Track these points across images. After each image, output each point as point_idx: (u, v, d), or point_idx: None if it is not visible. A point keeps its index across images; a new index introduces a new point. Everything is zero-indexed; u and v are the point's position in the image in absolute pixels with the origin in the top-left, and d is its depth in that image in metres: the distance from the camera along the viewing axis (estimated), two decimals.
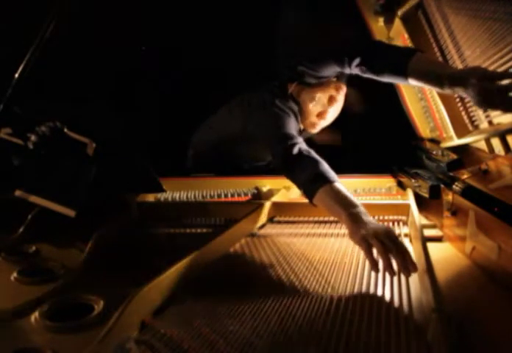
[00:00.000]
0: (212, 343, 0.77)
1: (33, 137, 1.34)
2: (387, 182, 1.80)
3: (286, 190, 1.74)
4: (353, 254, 1.18)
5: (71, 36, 1.93)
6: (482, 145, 1.28)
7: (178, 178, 1.82)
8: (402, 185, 1.76)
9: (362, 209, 1.22)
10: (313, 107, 1.73)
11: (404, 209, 1.44)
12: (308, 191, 1.37)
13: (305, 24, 1.95)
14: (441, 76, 1.23)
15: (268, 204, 1.49)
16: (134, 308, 0.84)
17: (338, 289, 0.98)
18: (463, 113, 1.40)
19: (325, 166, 1.40)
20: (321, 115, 1.76)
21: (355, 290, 0.97)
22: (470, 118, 1.39)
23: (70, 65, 2.10)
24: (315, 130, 1.82)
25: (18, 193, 1.26)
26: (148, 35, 2.35)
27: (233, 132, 1.87)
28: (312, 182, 1.36)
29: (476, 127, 1.36)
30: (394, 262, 1.02)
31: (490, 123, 1.28)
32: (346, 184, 1.35)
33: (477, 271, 1.11)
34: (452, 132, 1.46)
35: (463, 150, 1.43)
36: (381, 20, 1.67)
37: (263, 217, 1.47)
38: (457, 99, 1.43)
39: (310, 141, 1.83)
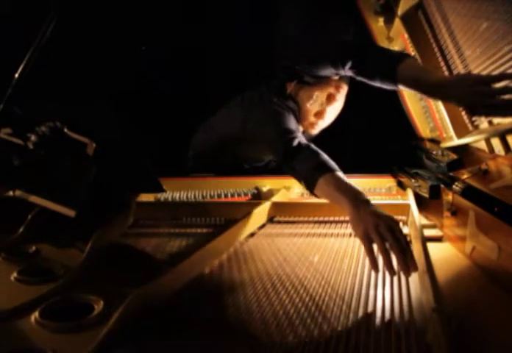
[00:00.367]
0: (211, 343, 0.77)
1: (33, 137, 1.34)
2: (387, 182, 1.80)
3: (286, 190, 1.74)
4: (353, 253, 1.18)
5: (71, 36, 1.93)
6: (482, 145, 1.28)
7: (178, 178, 1.82)
8: (402, 185, 1.76)
9: (364, 197, 1.21)
10: (311, 106, 1.73)
11: (404, 209, 1.44)
12: (309, 182, 1.37)
13: (303, 24, 1.96)
14: (430, 82, 1.24)
15: (268, 204, 1.49)
16: (134, 308, 0.84)
17: (338, 289, 0.98)
18: (463, 113, 1.40)
19: (325, 156, 1.40)
20: (319, 114, 1.76)
21: (355, 290, 0.97)
22: (470, 118, 1.39)
23: (70, 65, 2.10)
24: (315, 131, 1.82)
25: (18, 193, 1.26)
26: (148, 35, 2.35)
27: (233, 131, 1.88)
28: (312, 172, 1.36)
29: (476, 127, 1.36)
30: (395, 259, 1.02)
31: (490, 123, 1.27)
32: None
33: (477, 271, 1.11)
34: (452, 132, 1.46)
35: (463, 150, 1.43)
36: (381, 20, 1.67)
37: (263, 217, 1.47)
38: None
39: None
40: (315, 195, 1.37)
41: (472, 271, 1.12)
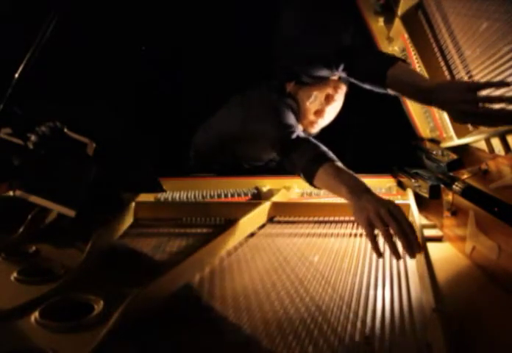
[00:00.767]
0: (211, 343, 0.77)
1: (33, 137, 1.34)
2: (387, 182, 1.80)
3: (286, 190, 1.74)
4: (353, 253, 1.18)
5: (71, 36, 1.93)
6: (482, 145, 1.28)
7: (178, 178, 1.82)
8: (402, 185, 1.76)
9: (364, 185, 1.21)
10: (310, 105, 1.76)
11: (404, 209, 1.43)
12: (308, 173, 1.37)
13: (303, 25, 1.96)
14: (419, 88, 1.26)
15: (268, 204, 1.49)
16: (134, 308, 0.84)
17: (338, 289, 0.98)
18: None
19: (324, 148, 1.41)
20: (318, 113, 1.78)
21: (355, 290, 0.97)
22: None
23: (70, 65, 2.10)
24: (315, 130, 1.83)
25: (18, 193, 1.26)
26: (148, 35, 2.35)
27: (232, 131, 1.89)
28: (311, 163, 1.37)
29: (476, 127, 1.36)
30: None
31: None
32: None
33: (477, 271, 1.11)
34: (452, 132, 1.46)
35: (463, 150, 1.43)
36: (381, 20, 1.67)
37: (263, 217, 1.47)
38: None
39: None
40: (315, 187, 1.38)
41: (472, 271, 1.12)
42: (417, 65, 1.57)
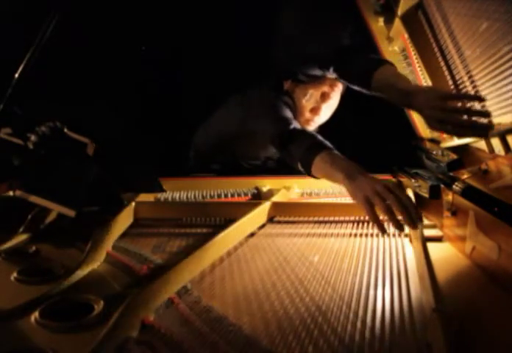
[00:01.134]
0: (212, 343, 0.77)
1: (33, 137, 1.34)
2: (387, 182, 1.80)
3: (286, 190, 1.74)
4: (353, 253, 1.18)
5: (71, 36, 1.93)
6: (482, 145, 1.28)
7: (178, 178, 1.82)
8: (402, 185, 1.76)
9: (359, 168, 1.24)
10: (306, 103, 1.80)
11: None
12: (305, 162, 1.40)
13: (299, 25, 1.97)
14: (400, 90, 1.29)
15: (268, 204, 1.49)
16: (134, 308, 0.84)
17: (338, 289, 0.98)
18: None
19: (320, 137, 1.45)
20: (314, 110, 1.82)
21: (355, 290, 0.97)
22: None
23: (70, 65, 2.10)
24: (311, 127, 1.87)
25: (18, 193, 1.26)
26: (148, 35, 2.35)
27: (232, 129, 1.91)
28: (308, 153, 1.40)
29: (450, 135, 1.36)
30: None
31: (490, 123, 1.27)
32: None
33: (477, 271, 1.11)
34: None
35: (463, 150, 1.43)
36: (381, 20, 1.66)
37: (263, 217, 1.47)
38: None
39: None
40: (314, 176, 1.41)
41: (472, 271, 1.12)
42: (417, 65, 1.57)
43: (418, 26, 1.48)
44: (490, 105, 1.21)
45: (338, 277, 1.04)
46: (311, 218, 1.48)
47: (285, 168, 1.73)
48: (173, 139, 2.27)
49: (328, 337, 0.78)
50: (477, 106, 1.26)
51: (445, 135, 1.59)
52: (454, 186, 1.30)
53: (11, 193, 1.39)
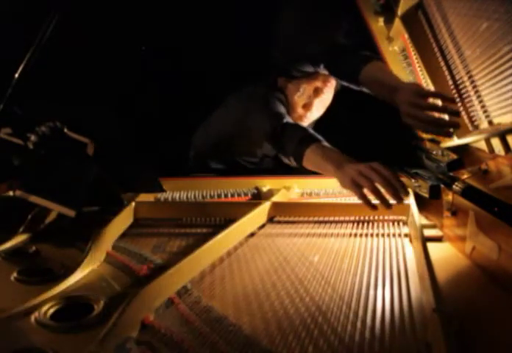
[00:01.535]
0: (212, 343, 0.77)
1: (33, 137, 1.34)
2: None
3: (286, 190, 1.74)
4: (353, 253, 1.18)
5: (71, 36, 1.93)
6: (482, 145, 1.28)
7: (178, 178, 1.82)
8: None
9: (347, 158, 1.31)
10: (298, 98, 1.84)
11: (404, 209, 1.44)
12: (297, 155, 1.45)
13: (297, 24, 1.98)
14: (386, 85, 1.34)
15: (268, 204, 1.49)
16: (134, 308, 0.84)
17: (338, 289, 0.98)
18: (463, 113, 1.40)
19: (311, 130, 1.51)
20: (306, 106, 1.86)
21: (355, 290, 0.97)
22: (470, 118, 1.39)
23: (70, 65, 2.10)
24: (305, 123, 1.90)
25: (18, 193, 1.26)
26: (148, 35, 2.35)
27: (230, 127, 1.93)
28: (299, 146, 1.45)
29: (476, 127, 1.36)
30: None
31: (490, 123, 1.27)
32: None
33: (477, 271, 1.11)
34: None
35: (463, 150, 1.43)
36: (381, 20, 1.66)
37: (263, 217, 1.47)
38: (458, 99, 1.43)
39: None
40: (306, 169, 1.47)
41: (472, 271, 1.12)
42: (417, 65, 1.56)
43: (418, 26, 1.48)
44: (490, 105, 1.21)
45: (338, 277, 1.04)
46: (311, 218, 1.48)
47: (285, 168, 1.73)
48: (173, 139, 2.26)
49: (328, 337, 0.78)
50: (477, 106, 1.26)
51: None
52: (454, 186, 1.30)
53: (11, 193, 1.39)
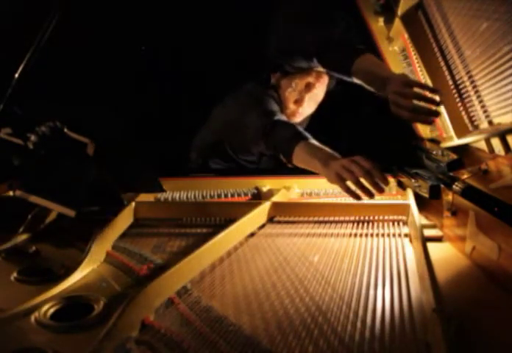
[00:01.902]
0: (212, 343, 0.77)
1: (33, 137, 1.34)
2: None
3: (286, 190, 1.74)
4: (353, 253, 1.18)
5: (71, 36, 1.93)
6: (482, 145, 1.28)
7: (178, 178, 1.82)
8: (402, 185, 1.76)
9: (332, 155, 1.38)
10: (290, 94, 1.88)
11: (404, 209, 1.44)
12: (286, 152, 1.51)
13: (295, 21, 1.98)
14: (377, 76, 1.38)
15: (268, 204, 1.49)
16: (134, 308, 0.84)
17: (338, 289, 0.98)
18: (463, 113, 1.40)
19: (299, 128, 1.57)
20: (298, 102, 1.90)
21: (355, 290, 0.97)
22: (470, 118, 1.39)
23: (70, 65, 2.10)
24: (297, 119, 1.95)
25: (18, 193, 1.26)
26: (148, 35, 2.35)
27: (226, 127, 1.95)
28: (288, 143, 1.51)
29: (476, 127, 1.36)
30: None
31: (490, 123, 1.27)
32: None
33: (477, 271, 1.11)
34: (452, 132, 1.46)
35: (463, 150, 1.43)
36: (381, 20, 1.66)
37: (263, 217, 1.47)
38: (457, 99, 1.43)
39: None
40: (295, 166, 1.51)
41: (472, 271, 1.12)
42: (417, 65, 1.56)
43: (418, 26, 1.48)
44: (490, 105, 1.21)
45: (338, 277, 1.04)
46: (311, 218, 1.48)
47: (285, 168, 1.74)
48: (173, 139, 2.26)
49: (328, 337, 0.78)
50: (477, 106, 1.26)
51: (445, 135, 1.59)
52: (454, 186, 1.30)
53: (11, 193, 1.39)
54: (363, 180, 1.26)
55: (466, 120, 1.40)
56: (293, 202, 1.65)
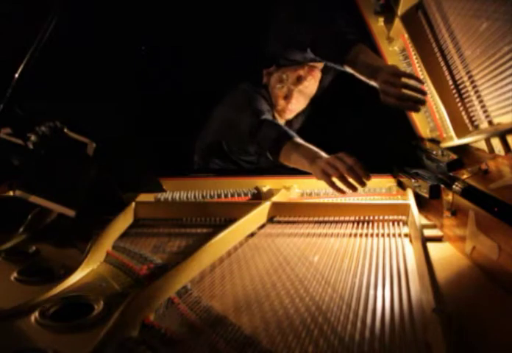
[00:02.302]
0: (212, 343, 0.77)
1: (33, 137, 1.34)
2: (387, 182, 1.80)
3: (286, 190, 1.74)
4: (353, 253, 1.18)
5: (71, 36, 1.93)
6: (482, 145, 1.28)
7: (178, 178, 1.82)
8: (402, 185, 1.76)
9: (318, 153, 1.46)
10: (279, 90, 1.92)
11: (404, 209, 1.44)
12: (274, 152, 1.58)
13: (293, 17, 1.99)
14: (369, 65, 1.45)
15: (268, 204, 1.49)
16: (134, 308, 0.84)
17: (338, 289, 0.98)
18: (463, 113, 1.40)
19: (284, 128, 1.64)
20: (287, 98, 1.93)
21: (355, 290, 0.97)
22: (470, 118, 1.39)
23: (70, 65, 2.10)
24: (288, 116, 1.99)
25: (18, 193, 1.26)
26: (148, 35, 2.35)
27: (223, 127, 1.95)
28: (276, 143, 1.57)
29: (476, 127, 1.36)
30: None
31: (490, 123, 1.27)
32: None
33: (477, 271, 1.11)
34: (452, 132, 1.46)
35: (463, 150, 1.43)
36: (381, 20, 1.67)
37: (263, 217, 1.47)
38: (457, 99, 1.43)
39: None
40: (283, 163, 1.58)
41: (472, 271, 1.12)
42: (417, 65, 1.57)
43: (418, 26, 1.48)
44: (490, 105, 1.21)
45: (338, 277, 1.04)
46: (311, 218, 1.48)
47: (285, 168, 1.73)
48: (174, 138, 2.26)
49: (328, 337, 0.78)
50: (477, 106, 1.26)
51: (445, 135, 1.59)
52: (454, 186, 1.30)
53: (11, 193, 1.39)
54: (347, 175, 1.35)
55: (466, 120, 1.40)
56: (293, 202, 1.65)
